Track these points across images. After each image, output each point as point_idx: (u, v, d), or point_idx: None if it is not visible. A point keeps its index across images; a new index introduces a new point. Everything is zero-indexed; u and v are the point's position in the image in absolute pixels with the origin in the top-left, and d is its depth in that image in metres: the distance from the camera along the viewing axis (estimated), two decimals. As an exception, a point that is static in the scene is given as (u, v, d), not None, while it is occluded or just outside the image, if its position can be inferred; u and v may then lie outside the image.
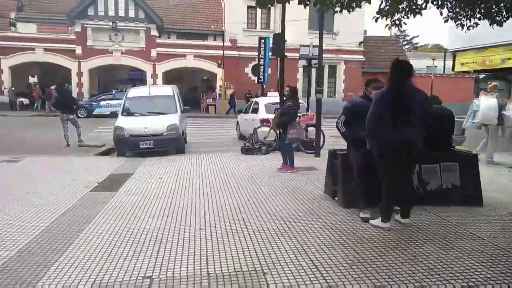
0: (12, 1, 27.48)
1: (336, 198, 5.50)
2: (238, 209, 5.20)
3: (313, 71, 28.28)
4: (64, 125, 11.82)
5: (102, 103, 23.65)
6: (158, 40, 27.93)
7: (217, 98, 28.38)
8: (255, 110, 12.51)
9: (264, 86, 24.77)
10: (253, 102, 13.27)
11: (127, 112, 11.14)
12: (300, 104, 8.26)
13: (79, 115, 22.47)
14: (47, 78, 27.42)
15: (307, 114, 10.01)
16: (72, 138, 11.94)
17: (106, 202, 5.59)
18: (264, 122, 11.12)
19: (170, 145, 10.30)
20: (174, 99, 11.55)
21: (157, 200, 5.66)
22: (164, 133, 10.15)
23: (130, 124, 10.27)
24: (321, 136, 9.35)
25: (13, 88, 25.82)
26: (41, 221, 4.70)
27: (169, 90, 12.12)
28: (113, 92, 24.88)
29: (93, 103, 23.96)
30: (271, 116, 10.84)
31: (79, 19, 26.53)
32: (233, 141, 13.85)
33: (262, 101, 12.34)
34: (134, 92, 12.12)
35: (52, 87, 24.99)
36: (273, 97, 12.85)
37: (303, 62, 13.40)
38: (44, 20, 28.23)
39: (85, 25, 26.65)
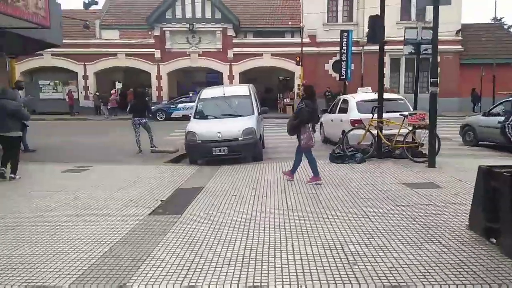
0: (96, 11, 28.51)
1: (494, 240, 3.62)
2: (342, 251, 3.59)
3: (403, 63, 25.94)
4: (136, 130, 11.09)
5: (180, 105, 23.41)
6: (234, 40, 27.13)
7: (295, 97, 26.82)
8: (344, 110, 10.66)
9: (346, 83, 22.66)
10: (341, 101, 11.38)
11: (200, 115, 10.07)
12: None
13: (158, 118, 22.60)
14: (129, 82, 28.11)
15: (415, 113, 7.99)
16: (145, 143, 11.19)
17: (166, 231, 4.32)
18: (356, 123, 9.33)
19: (246, 151, 8.99)
20: (251, 99, 10.23)
21: (229, 232, 4.23)
22: (240, 138, 8.86)
23: (202, 129, 9.15)
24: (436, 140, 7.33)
25: (97, 93, 26.72)
26: (73, 267, 3.51)
27: (245, 89, 10.81)
28: (190, 95, 24.52)
29: (171, 106, 23.83)
30: (365, 117, 9.09)
31: (157, 23, 26.73)
32: (316, 145, 12.15)
33: (353, 99, 10.42)
34: (208, 92, 10.98)
35: (112, 91, 25.72)
36: (366, 93, 10.90)
37: (408, 49, 11.13)
38: (126, 26, 28.94)
39: (164, 29, 26.76)
